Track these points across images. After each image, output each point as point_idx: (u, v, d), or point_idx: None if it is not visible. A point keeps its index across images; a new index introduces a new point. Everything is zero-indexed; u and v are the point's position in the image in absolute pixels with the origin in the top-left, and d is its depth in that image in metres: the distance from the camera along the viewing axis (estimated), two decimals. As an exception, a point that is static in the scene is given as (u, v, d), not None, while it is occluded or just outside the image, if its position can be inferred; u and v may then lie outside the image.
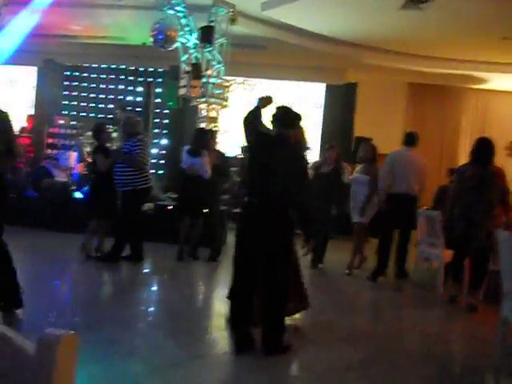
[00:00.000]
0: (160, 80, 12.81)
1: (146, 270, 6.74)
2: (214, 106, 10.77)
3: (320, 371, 3.58)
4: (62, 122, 11.68)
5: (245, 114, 3.94)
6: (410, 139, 7.12)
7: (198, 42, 10.41)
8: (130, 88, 13.05)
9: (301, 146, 4.43)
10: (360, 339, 4.43)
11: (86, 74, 13.08)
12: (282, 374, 3.59)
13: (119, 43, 12.51)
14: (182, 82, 10.58)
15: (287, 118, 3.88)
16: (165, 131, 12.90)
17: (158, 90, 12.64)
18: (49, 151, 11.61)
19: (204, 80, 10.30)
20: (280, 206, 3.66)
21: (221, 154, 7.72)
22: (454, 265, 6.01)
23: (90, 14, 10.97)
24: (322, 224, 6.92)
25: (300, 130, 4.43)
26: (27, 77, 14.32)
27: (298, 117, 3.99)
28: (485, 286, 5.96)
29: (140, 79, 13.06)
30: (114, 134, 8.36)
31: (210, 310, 5.29)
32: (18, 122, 11.47)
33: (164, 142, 12.85)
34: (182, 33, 10.30)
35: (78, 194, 9.32)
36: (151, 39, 10.07)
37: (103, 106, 13.04)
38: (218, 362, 3.70)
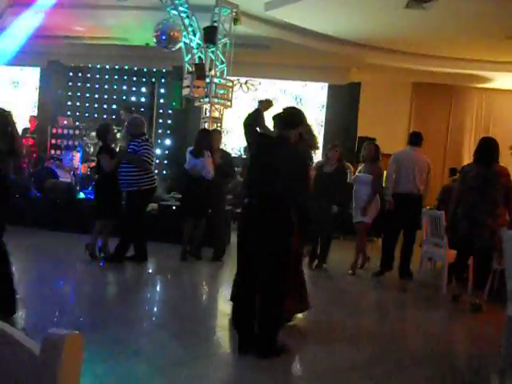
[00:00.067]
0: (163, 80, 12.84)
1: (150, 270, 6.75)
2: (217, 106, 10.78)
3: (323, 371, 3.57)
4: (65, 122, 11.70)
5: (245, 117, 3.97)
6: (415, 139, 7.12)
7: (201, 42, 10.43)
8: (134, 88, 13.08)
9: (308, 145, 4.42)
10: (363, 339, 4.43)
11: (89, 75, 13.11)
12: (285, 374, 3.59)
13: (123, 44, 12.55)
14: (186, 83, 10.59)
15: (288, 119, 3.88)
16: (168, 131, 12.93)
17: (162, 91, 12.68)
18: (52, 152, 11.64)
19: (207, 80, 10.32)
20: (280, 206, 3.66)
21: (225, 154, 7.72)
22: (457, 265, 6.00)
23: (94, 15, 11.00)
24: (325, 224, 6.92)
25: (308, 128, 4.43)
26: (31, 78, 14.37)
27: (299, 117, 3.99)
28: (489, 286, 5.95)
29: (143, 80, 13.09)
30: (118, 135, 8.37)
31: (214, 310, 5.29)
32: (22, 122, 11.50)
33: (167, 142, 12.87)
34: (185, 33, 10.32)
35: (81, 195, 9.35)
36: (154, 40, 10.08)
37: (107, 106, 13.07)
38: (222, 362, 3.70)
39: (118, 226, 6.63)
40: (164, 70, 12.95)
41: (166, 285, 6.23)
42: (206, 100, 10.57)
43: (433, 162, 7.40)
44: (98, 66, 13.10)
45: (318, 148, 5.30)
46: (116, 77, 13.07)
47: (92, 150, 10.36)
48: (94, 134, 9.85)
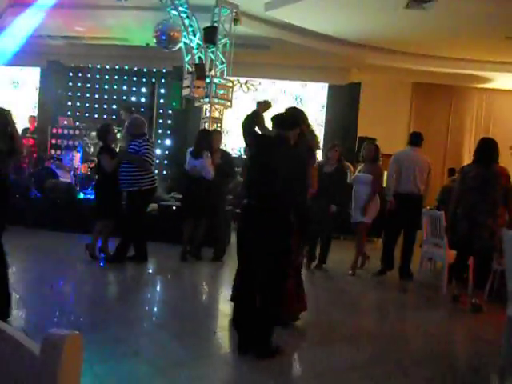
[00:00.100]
0: (163, 80, 12.85)
1: (150, 271, 6.75)
2: (217, 106, 10.78)
3: (323, 371, 3.57)
4: (65, 122, 11.70)
5: (243, 118, 3.97)
6: (415, 139, 7.13)
7: (201, 42, 10.43)
8: (134, 89, 13.09)
9: (309, 145, 4.41)
10: (363, 339, 4.42)
11: (89, 75, 13.12)
12: (285, 374, 3.58)
13: (123, 44, 12.56)
14: (186, 83, 10.60)
15: (286, 119, 3.88)
16: (168, 131, 12.93)
17: (162, 91, 12.68)
18: (52, 152, 11.64)
19: (207, 80, 10.32)
20: (279, 206, 3.66)
21: (226, 154, 7.72)
22: (457, 265, 6.00)
23: (94, 15, 11.00)
24: (324, 224, 6.92)
25: (309, 129, 4.43)
26: (31, 78, 14.38)
27: (298, 118, 3.99)
28: (489, 286, 5.95)
29: (143, 80, 13.10)
30: (118, 135, 8.37)
31: (214, 311, 5.29)
32: (22, 122, 11.51)
33: (167, 142, 12.87)
34: (185, 33, 10.32)
35: (81, 195, 9.36)
36: (155, 40, 10.09)
37: (107, 106, 13.08)
38: (223, 363, 3.70)
39: (119, 226, 6.64)
40: (164, 71, 12.96)
41: (166, 285, 6.23)
42: (206, 100, 10.58)
43: (433, 162, 7.41)
44: (98, 66, 13.11)
45: (319, 148, 5.31)
46: (116, 77, 13.08)
47: (92, 150, 10.37)
48: (94, 134, 9.87)
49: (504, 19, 9.15)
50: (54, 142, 11.71)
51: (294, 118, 3.94)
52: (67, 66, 13.22)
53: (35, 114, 13.32)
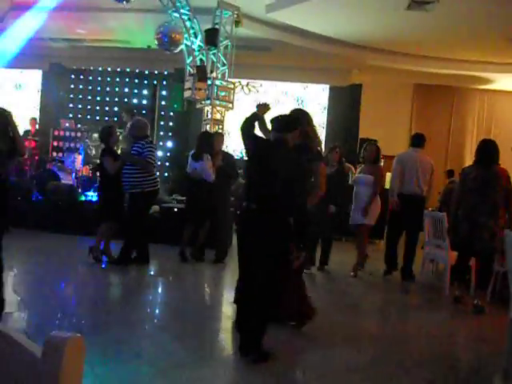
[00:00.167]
0: (165, 83, 12.86)
1: (152, 272, 6.75)
2: (218, 108, 10.79)
3: (324, 372, 3.57)
4: (67, 124, 11.72)
5: (242, 121, 3.97)
6: (417, 140, 7.13)
7: (202, 44, 10.44)
8: (135, 91, 13.12)
9: (310, 147, 4.39)
10: (365, 341, 4.42)
11: (91, 77, 13.15)
12: (286, 376, 3.58)
13: (124, 46, 12.58)
14: (187, 85, 10.61)
15: (285, 122, 3.88)
16: (170, 133, 12.95)
17: (163, 93, 12.70)
18: (54, 154, 11.66)
19: (209, 82, 10.33)
20: (278, 209, 3.66)
21: (228, 156, 7.72)
22: (458, 266, 5.99)
23: (95, 18, 11.02)
24: (324, 225, 6.90)
25: (312, 129, 4.43)
26: (33, 80, 14.41)
27: (297, 120, 3.98)
28: (491, 287, 5.94)
29: (145, 82, 13.13)
30: (120, 138, 8.37)
31: (216, 312, 5.29)
32: (23, 124, 11.53)
33: (169, 144, 12.89)
34: (186, 35, 10.33)
35: (83, 197, 9.36)
36: (156, 42, 10.10)
37: (108, 108, 13.10)
38: (224, 364, 3.70)
39: (122, 228, 6.64)
40: (166, 73, 12.98)
41: (167, 287, 6.23)
42: (208, 102, 10.59)
43: (434, 163, 7.40)
44: (100, 69, 13.13)
45: (320, 154, 5.28)
46: (118, 79, 13.11)
47: (94, 152, 10.37)
48: (95, 136, 9.87)
49: (506, 20, 9.15)
50: (55, 144, 11.74)
51: (292, 120, 3.93)
52: (69, 69, 13.25)
53: (37, 116, 13.34)
